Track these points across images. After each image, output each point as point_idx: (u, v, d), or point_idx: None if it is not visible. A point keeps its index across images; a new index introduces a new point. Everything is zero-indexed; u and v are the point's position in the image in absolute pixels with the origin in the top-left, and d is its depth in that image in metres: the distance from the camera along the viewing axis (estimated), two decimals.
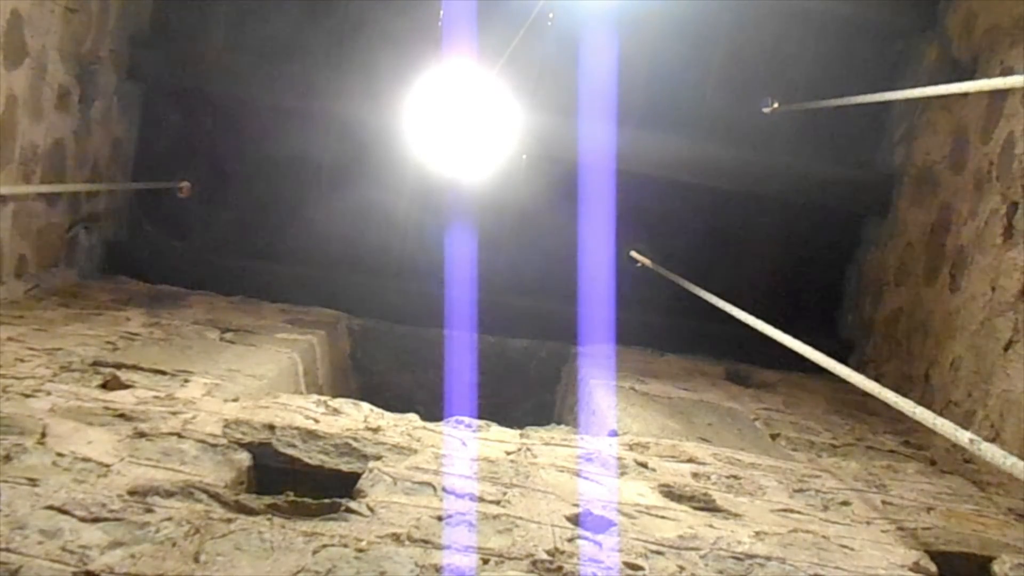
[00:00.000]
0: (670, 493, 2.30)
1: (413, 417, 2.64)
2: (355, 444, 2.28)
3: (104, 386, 2.45)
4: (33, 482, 1.77)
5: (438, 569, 1.68)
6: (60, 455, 1.93)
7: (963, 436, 1.80)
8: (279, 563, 1.61)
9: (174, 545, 1.62)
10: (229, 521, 1.74)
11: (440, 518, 1.91)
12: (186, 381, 2.64)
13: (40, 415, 2.14)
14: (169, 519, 1.71)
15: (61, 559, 1.51)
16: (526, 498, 2.11)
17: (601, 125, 4.11)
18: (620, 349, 3.96)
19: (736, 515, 2.21)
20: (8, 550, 1.50)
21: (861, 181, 4.41)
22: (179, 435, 2.15)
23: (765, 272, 4.58)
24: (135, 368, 2.68)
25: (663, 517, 2.12)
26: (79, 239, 3.98)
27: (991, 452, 1.72)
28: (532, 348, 4.27)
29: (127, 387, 2.48)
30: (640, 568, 1.82)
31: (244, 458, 2.12)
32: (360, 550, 1.70)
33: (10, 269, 3.39)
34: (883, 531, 2.24)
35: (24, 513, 1.64)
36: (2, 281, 3.32)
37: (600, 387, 3.38)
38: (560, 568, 1.76)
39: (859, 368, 4.24)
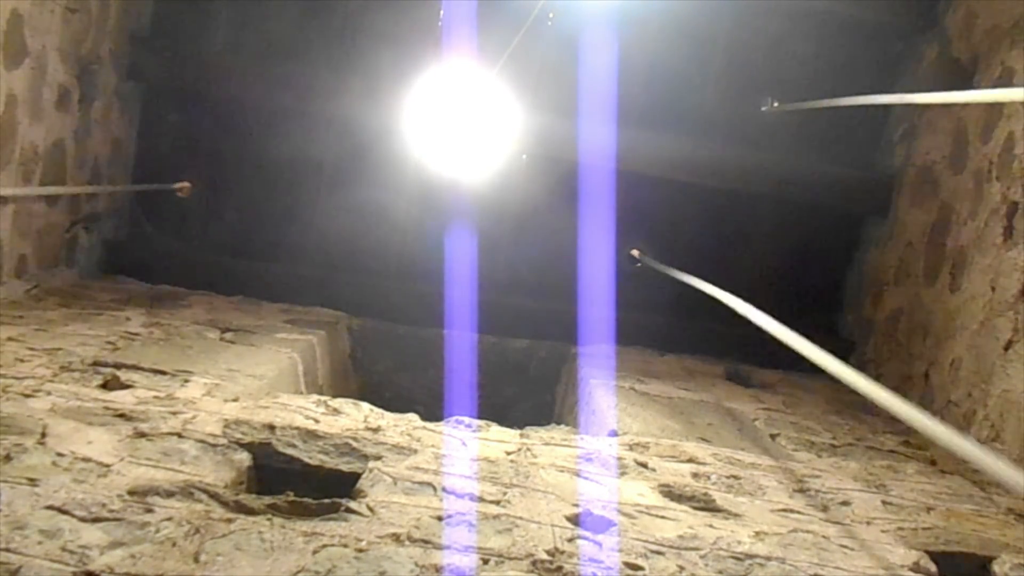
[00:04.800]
0: (670, 493, 2.30)
1: (413, 417, 2.64)
2: (355, 444, 2.28)
3: (104, 386, 2.45)
4: (33, 482, 1.77)
5: (438, 569, 1.68)
6: (60, 455, 1.92)
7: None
8: (279, 563, 1.61)
9: (174, 545, 1.62)
10: (229, 521, 1.74)
11: (440, 518, 1.91)
12: (186, 381, 2.64)
13: (40, 415, 2.13)
14: (169, 519, 1.71)
15: (61, 559, 1.51)
16: (526, 498, 2.11)
17: (601, 125, 4.11)
18: (620, 349, 3.96)
19: (736, 515, 2.21)
20: (8, 550, 1.50)
21: (861, 181, 4.40)
22: (179, 435, 2.15)
23: (765, 272, 4.58)
24: (135, 368, 2.67)
25: (663, 517, 2.12)
26: (79, 239, 3.98)
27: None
28: (532, 348, 4.27)
29: (127, 387, 2.48)
30: (640, 568, 1.82)
31: (244, 458, 2.12)
32: (360, 550, 1.70)
33: (10, 269, 3.39)
34: (883, 531, 2.24)
35: (24, 513, 1.64)
36: (2, 281, 3.32)
37: (600, 387, 3.38)
38: (560, 568, 1.76)
39: (859, 368, 4.26)
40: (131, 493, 1.80)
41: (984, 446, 3.05)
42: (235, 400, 2.53)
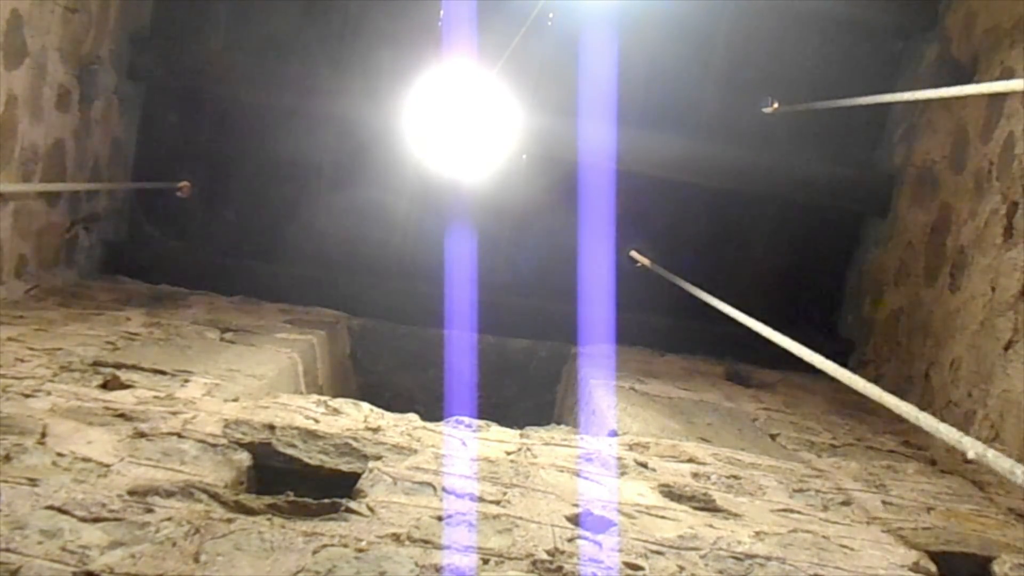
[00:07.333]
0: (670, 493, 2.30)
1: (413, 417, 2.64)
2: (355, 444, 2.28)
3: (104, 386, 2.45)
4: (33, 482, 1.77)
5: (438, 569, 1.68)
6: (60, 455, 1.92)
7: (966, 442, 1.77)
8: (279, 563, 1.61)
9: (174, 545, 1.62)
10: (229, 521, 1.74)
11: (440, 518, 1.91)
12: (186, 381, 2.64)
13: (40, 415, 2.13)
14: (169, 519, 1.71)
15: (61, 559, 1.51)
16: (526, 498, 2.11)
17: (601, 125, 4.11)
18: (620, 349, 3.96)
19: (736, 515, 2.21)
20: (8, 550, 1.50)
21: (861, 181, 4.40)
22: (179, 435, 2.15)
23: (765, 272, 4.58)
24: (135, 368, 2.68)
25: (663, 517, 2.12)
26: (79, 239, 3.98)
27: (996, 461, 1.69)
28: (532, 348, 4.27)
29: (127, 387, 2.48)
30: (640, 568, 1.82)
31: (244, 458, 2.12)
32: (360, 550, 1.70)
33: (10, 269, 3.39)
34: (883, 531, 2.24)
35: (24, 513, 1.64)
36: (2, 281, 3.32)
37: (600, 387, 3.38)
38: (560, 568, 1.76)
39: (859, 368, 4.27)
40: (131, 493, 1.80)
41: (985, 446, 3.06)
42: (235, 400, 2.53)
